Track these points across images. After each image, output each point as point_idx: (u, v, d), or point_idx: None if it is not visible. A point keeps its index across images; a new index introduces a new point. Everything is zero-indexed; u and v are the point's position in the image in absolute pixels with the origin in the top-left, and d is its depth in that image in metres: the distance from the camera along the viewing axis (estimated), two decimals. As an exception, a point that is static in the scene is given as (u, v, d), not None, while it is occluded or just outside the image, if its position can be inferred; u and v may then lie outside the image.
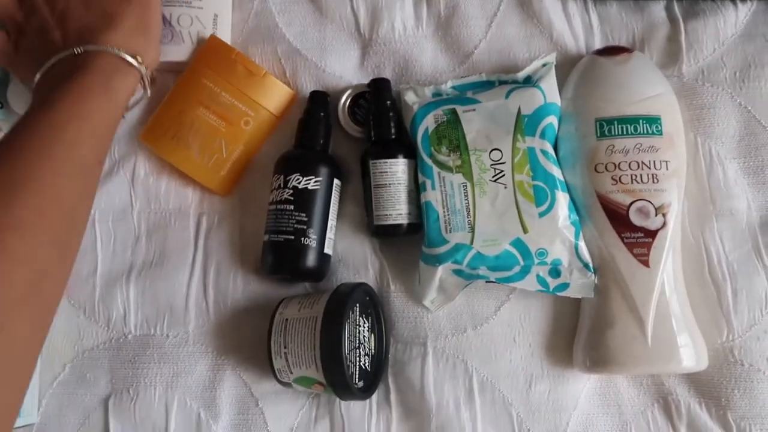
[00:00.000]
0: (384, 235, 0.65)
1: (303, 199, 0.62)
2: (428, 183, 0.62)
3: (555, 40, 0.67)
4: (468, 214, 0.61)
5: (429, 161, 0.63)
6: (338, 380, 0.58)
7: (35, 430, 0.66)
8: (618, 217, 0.60)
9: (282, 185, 0.63)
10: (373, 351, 0.63)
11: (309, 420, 0.64)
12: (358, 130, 0.67)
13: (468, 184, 0.62)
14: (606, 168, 0.60)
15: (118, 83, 0.58)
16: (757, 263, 0.61)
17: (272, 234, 0.62)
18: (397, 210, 0.63)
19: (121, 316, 0.67)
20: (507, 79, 0.65)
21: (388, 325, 0.65)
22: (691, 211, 0.63)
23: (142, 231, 0.68)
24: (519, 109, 0.62)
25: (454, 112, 0.63)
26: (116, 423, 0.65)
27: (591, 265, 0.60)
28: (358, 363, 0.60)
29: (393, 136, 0.65)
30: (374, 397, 0.64)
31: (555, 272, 0.61)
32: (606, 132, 0.61)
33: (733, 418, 0.59)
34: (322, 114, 0.65)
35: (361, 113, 0.67)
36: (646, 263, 0.59)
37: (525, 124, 0.61)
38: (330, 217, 0.63)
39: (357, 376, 0.60)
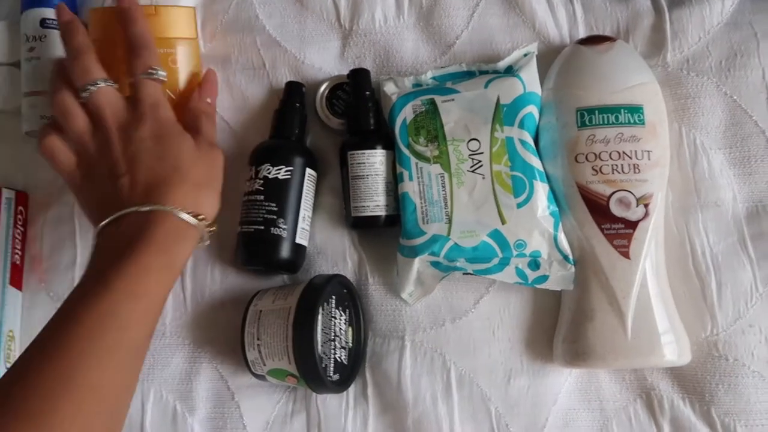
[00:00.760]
0: (362, 227, 0.64)
1: (273, 189, 0.61)
2: (406, 174, 0.62)
3: (538, 30, 0.66)
4: (445, 205, 0.60)
5: (407, 152, 0.62)
6: (311, 372, 0.57)
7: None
8: (598, 208, 0.58)
9: (253, 176, 0.62)
10: (350, 344, 0.62)
11: (285, 414, 0.63)
12: (337, 121, 0.66)
13: (445, 175, 0.61)
14: (586, 158, 0.59)
15: (179, 249, 0.54)
16: (742, 256, 0.60)
17: (244, 225, 0.62)
18: (374, 201, 0.62)
19: None
20: (487, 68, 0.64)
21: (366, 318, 0.64)
22: (675, 203, 0.61)
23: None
24: (498, 98, 0.61)
25: (432, 102, 0.62)
26: None
27: (571, 257, 0.59)
28: (333, 356, 0.59)
29: (371, 128, 0.64)
30: (351, 391, 0.63)
31: (534, 264, 0.60)
32: (587, 122, 0.59)
33: (717, 414, 0.58)
34: (297, 105, 0.65)
35: (340, 105, 0.66)
36: (626, 255, 0.57)
37: (503, 114, 0.60)
38: (302, 207, 0.62)
39: (332, 368, 0.59)
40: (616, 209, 0.58)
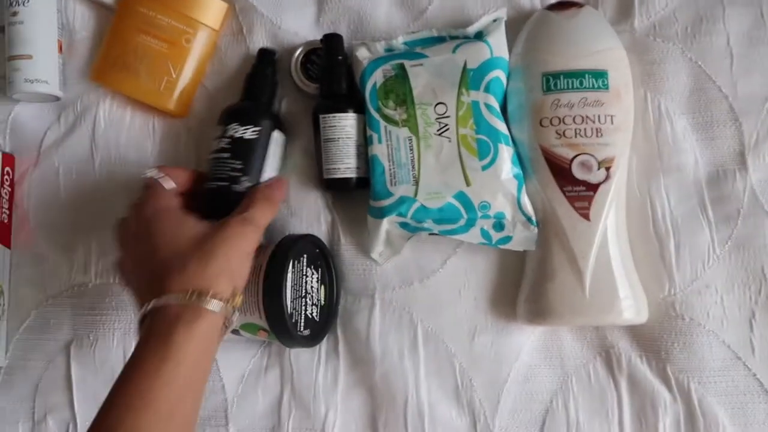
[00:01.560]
0: (333, 188, 0.66)
1: (239, 147, 0.63)
2: (375, 137, 0.63)
3: (509, -3, 0.67)
4: (413, 167, 0.62)
5: (376, 115, 0.63)
6: (280, 327, 0.59)
7: (3, 372, 0.69)
8: (561, 171, 0.60)
9: (221, 135, 0.64)
10: (322, 302, 0.64)
11: (260, 368, 0.66)
12: (312, 86, 0.67)
13: (413, 138, 0.62)
14: (551, 122, 0.60)
15: (178, 336, 0.51)
16: (701, 218, 0.61)
17: (209, 182, 0.64)
18: (345, 164, 0.64)
19: (83, 265, 0.69)
20: (457, 34, 0.65)
21: (339, 277, 0.66)
22: (639, 167, 0.62)
23: (103, 184, 0.70)
24: (465, 63, 0.62)
25: (402, 66, 0.63)
26: (77, 367, 0.68)
27: (534, 218, 0.61)
28: (303, 312, 0.61)
29: (343, 92, 0.65)
30: (323, 346, 0.65)
31: (499, 226, 0.61)
32: (552, 86, 0.61)
33: (672, 371, 0.59)
34: (267, 70, 0.66)
35: (314, 69, 0.68)
36: (586, 216, 0.59)
37: (470, 78, 0.62)
38: (266, 167, 0.64)
39: (302, 324, 0.61)
40: (578, 172, 0.59)
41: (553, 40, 0.62)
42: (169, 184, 0.61)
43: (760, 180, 0.61)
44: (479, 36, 0.64)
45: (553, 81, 0.61)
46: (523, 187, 0.61)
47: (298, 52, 0.68)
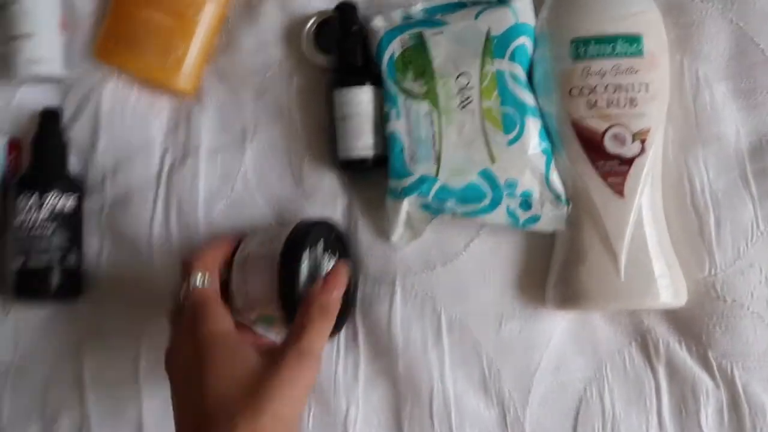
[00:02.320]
0: (349, 169, 0.62)
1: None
2: (393, 112, 0.60)
3: (534, -42, 0.63)
4: (434, 144, 0.58)
5: (394, 89, 0.60)
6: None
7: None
8: (592, 145, 0.56)
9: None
10: (339, 289, 0.61)
11: (277, 359, 0.63)
12: (323, 59, 0.64)
13: (434, 112, 0.58)
14: (581, 92, 0.56)
15: None
16: (744, 192, 0.57)
17: None
18: (363, 141, 0.60)
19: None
20: (479, -1, 0.61)
21: (356, 263, 0.63)
22: (675, 138, 0.59)
23: (108, 168, 0.67)
24: (488, 30, 0.58)
25: (420, 36, 0.60)
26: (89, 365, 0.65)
27: (563, 196, 0.57)
28: (320, 300, 0.58)
29: (359, 64, 0.62)
30: (342, 337, 0.62)
31: (526, 205, 0.58)
32: (582, 53, 0.57)
33: (714, 357, 0.56)
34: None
35: (327, 41, 0.64)
36: (620, 193, 0.55)
37: (494, 46, 0.58)
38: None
39: (319, 313, 0.58)
40: (610, 145, 0.56)
41: (583, 4, 0.58)
42: (215, 285, 0.56)
43: (808, 150, 0.57)
44: (503, 1, 0.60)
45: (582, 47, 0.57)
46: (552, 162, 0.57)
47: (310, 22, 0.64)
